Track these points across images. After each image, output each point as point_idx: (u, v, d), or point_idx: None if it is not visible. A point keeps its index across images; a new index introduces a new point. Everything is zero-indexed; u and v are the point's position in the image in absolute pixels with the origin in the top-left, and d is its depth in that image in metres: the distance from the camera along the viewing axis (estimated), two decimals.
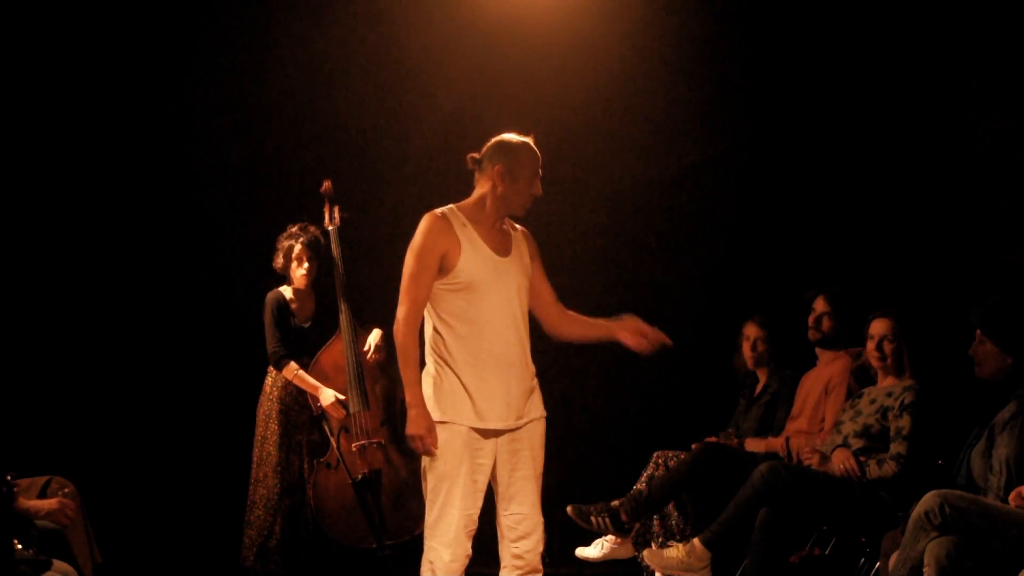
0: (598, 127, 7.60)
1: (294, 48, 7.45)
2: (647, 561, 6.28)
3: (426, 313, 5.08)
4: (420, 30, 7.42)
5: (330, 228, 7.05)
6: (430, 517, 5.06)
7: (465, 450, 5.02)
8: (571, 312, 5.41)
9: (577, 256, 7.59)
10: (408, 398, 5.00)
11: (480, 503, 5.08)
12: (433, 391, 5.04)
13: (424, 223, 5.06)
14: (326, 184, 7.08)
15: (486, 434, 5.05)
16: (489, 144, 5.15)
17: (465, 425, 5.02)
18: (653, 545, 6.52)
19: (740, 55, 7.58)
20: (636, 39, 7.53)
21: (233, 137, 7.46)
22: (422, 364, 5.10)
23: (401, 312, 5.02)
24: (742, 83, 7.60)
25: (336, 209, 7.06)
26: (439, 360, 5.07)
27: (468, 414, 5.02)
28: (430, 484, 5.06)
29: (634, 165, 7.62)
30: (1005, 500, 4.91)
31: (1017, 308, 5.48)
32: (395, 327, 5.02)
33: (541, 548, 5.20)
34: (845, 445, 6.05)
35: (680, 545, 6.14)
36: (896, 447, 5.91)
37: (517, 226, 5.28)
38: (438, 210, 5.11)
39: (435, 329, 5.08)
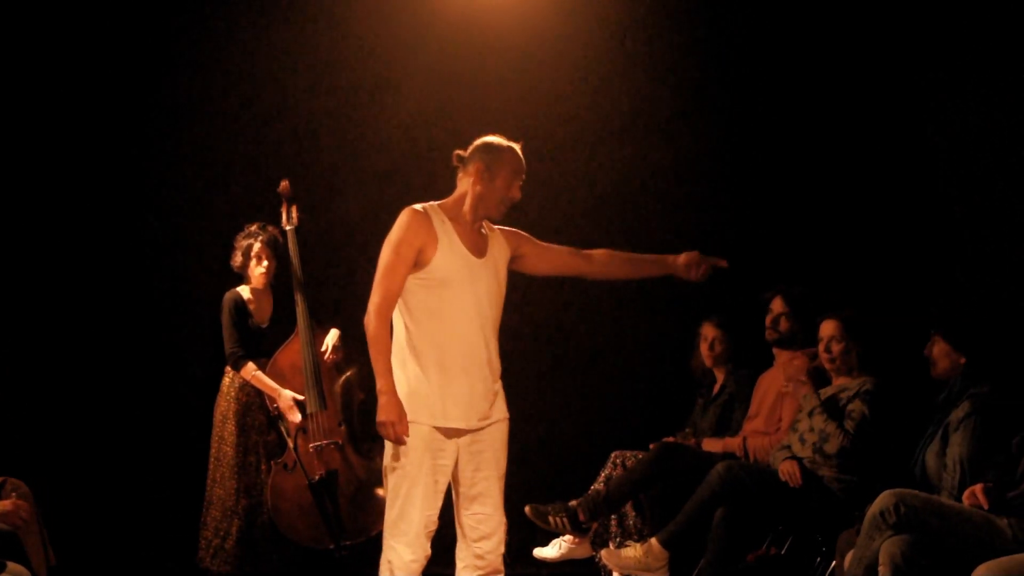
0: (560, 128, 7.60)
1: (254, 47, 7.42)
2: (605, 561, 6.30)
3: (395, 309, 5.08)
4: (382, 30, 7.41)
5: (288, 228, 7.04)
6: (390, 516, 5.05)
7: (427, 449, 5.01)
8: (608, 251, 5.43)
9: None
10: (379, 385, 4.98)
11: (440, 503, 5.08)
12: (397, 388, 5.04)
13: (403, 216, 5.07)
14: (284, 184, 7.06)
15: (448, 434, 5.05)
16: (475, 143, 5.18)
17: (427, 424, 5.02)
18: (611, 545, 6.54)
19: (702, 60, 7.60)
20: (601, 40, 7.54)
21: (191, 136, 7.42)
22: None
23: (373, 302, 5.01)
24: (703, 87, 7.62)
25: (294, 209, 7.05)
26: (405, 357, 5.06)
27: (431, 413, 5.01)
28: (391, 483, 5.06)
29: (595, 166, 7.63)
30: (959, 499, 4.95)
31: (971, 308, 5.54)
32: (366, 317, 5.00)
33: (503, 549, 5.21)
34: (802, 443, 6.09)
35: (638, 545, 6.17)
36: (846, 425, 5.95)
37: (496, 228, 5.28)
38: (418, 205, 5.11)
39: (404, 325, 5.08)
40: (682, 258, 5.41)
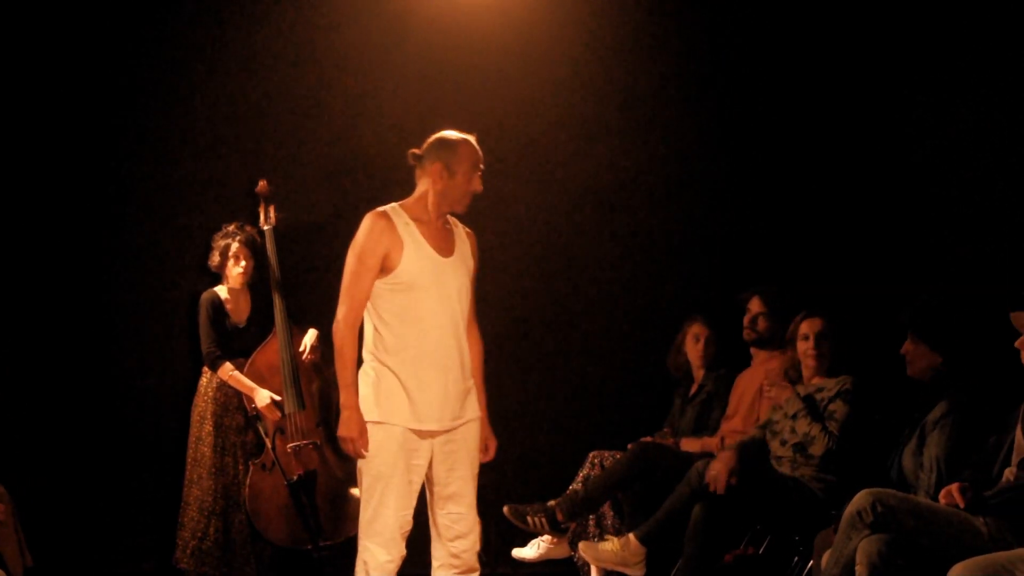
0: (539, 129, 7.59)
1: (231, 46, 7.39)
2: (582, 553, 6.30)
3: (365, 312, 5.08)
4: (360, 30, 7.39)
5: (266, 228, 7.03)
6: (365, 517, 5.06)
7: (401, 451, 5.02)
8: (474, 343, 5.32)
9: (515, 256, 7.58)
10: (342, 399, 5.01)
11: (414, 503, 5.10)
12: (371, 391, 5.05)
13: (366, 222, 5.06)
14: (262, 184, 7.06)
15: (422, 435, 5.06)
16: (429, 140, 5.17)
17: (401, 426, 5.02)
18: None
19: (676, 60, 7.60)
20: (576, 42, 7.54)
21: (169, 135, 7.39)
22: (360, 364, 5.10)
23: (341, 312, 5.02)
24: (681, 87, 7.62)
25: (272, 209, 7.04)
26: (377, 360, 5.07)
27: (405, 415, 5.02)
28: (365, 484, 5.07)
29: (573, 166, 7.62)
30: (935, 498, 4.96)
31: (946, 307, 5.55)
32: (334, 327, 5.02)
33: (478, 547, 5.23)
34: (782, 444, 6.10)
35: (616, 539, 6.18)
36: (829, 426, 5.96)
37: (460, 225, 5.29)
38: (381, 208, 5.11)
39: (375, 328, 5.08)
40: (486, 430, 5.31)
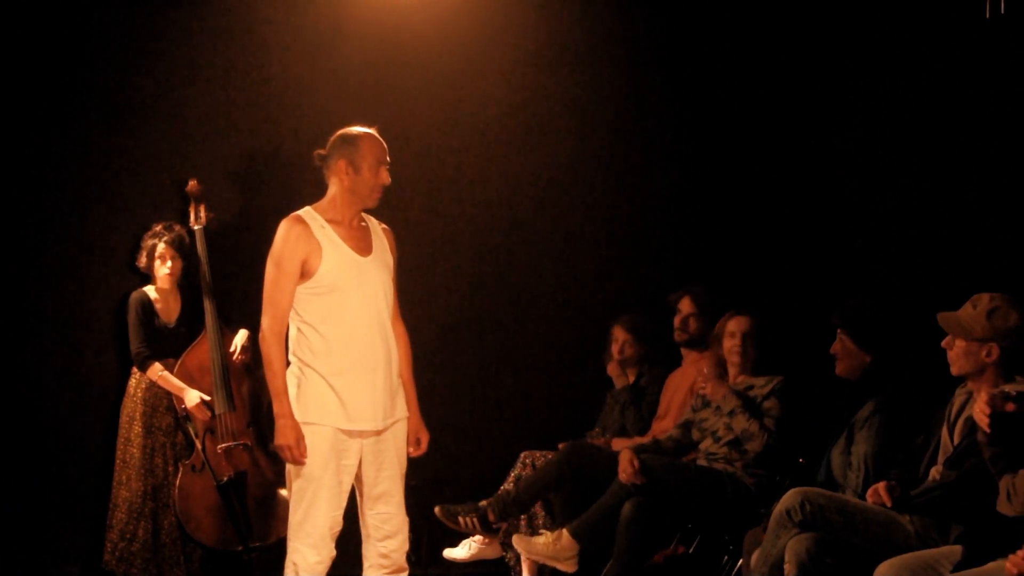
0: (472, 132, 7.59)
1: (163, 45, 7.32)
2: (516, 544, 6.30)
3: (290, 316, 5.06)
4: (293, 28, 7.34)
5: (196, 227, 6.98)
6: (295, 518, 5.05)
7: (331, 452, 5.02)
8: (400, 339, 5.30)
9: (448, 257, 7.58)
10: (276, 408, 5.01)
11: (344, 503, 5.10)
12: (298, 393, 5.04)
13: (282, 229, 5.04)
14: (192, 183, 7.01)
15: (352, 435, 5.05)
16: (331, 139, 5.15)
17: (331, 426, 5.01)
18: None
19: (613, 62, 7.63)
20: (513, 44, 7.54)
21: (98, 133, 7.31)
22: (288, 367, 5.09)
23: (265, 322, 5.02)
24: (615, 90, 7.64)
25: (202, 208, 7.00)
26: (304, 363, 5.05)
27: (334, 415, 5.02)
28: (296, 486, 5.05)
29: (505, 165, 7.63)
30: (863, 497, 5.01)
31: (876, 307, 5.62)
32: (260, 336, 5.03)
33: (407, 547, 5.23)
34: (715, 440, 6.14)
35: (549, 533, 6.19)
36: (767, 424, 6.00)
37: (376, 222, 5.27)
38: (296, 213, 5.09)
39: (299, 331, 5.06)
40: (416, 423, 5.31)
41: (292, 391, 5.03)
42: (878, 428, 5.30)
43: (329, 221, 5.07)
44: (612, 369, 7.17)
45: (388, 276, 5.19)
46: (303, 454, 4.97)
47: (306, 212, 5.10)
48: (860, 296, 5.78)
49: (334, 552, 5.09)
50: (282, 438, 4.97)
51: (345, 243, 5.06)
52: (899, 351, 5.51)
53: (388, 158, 5.15)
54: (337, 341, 5.03)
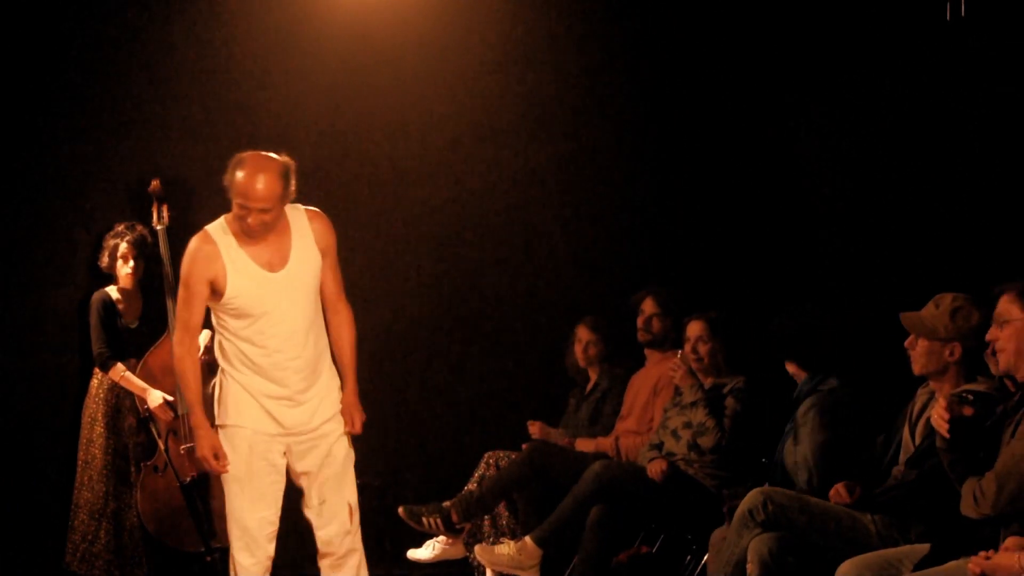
0: (435, 130, 7.58)
1: (128, 44, 7.28)
2: (478, 556, 6.30)
3: (213, 321, 5.04)
4: (259, 27, 7.32)
5: (159, 228, 6.95)
6: (229, 522, 5.05)
7: (252, 452, 5.00)
8: (343, 323, 5.18)
9: (411, 255, 7.57)
10: (191, 420, 5.03)
11: (278, 504, 5.07)
12: (220, 394, 5.05)
13: (190, 248, 4.92)
14: (155, 183, 6.98)
15: (273, 435, 5.02)
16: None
17: (250, 428, 4.99)
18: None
19: (573, 63, 7.63)
20: (473, 45, 7.53)
21: (60, 132, 7.27)
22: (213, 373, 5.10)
23: (176, 336, 5.03)
24: (577, 89, 7.65)
25: (165, 208, 6.97)
26: (227, 365, 5.04)
27: (252, 417, 4.99)
28: (225, 489, 5.05)
29: (469, 165, 7.63)
30: (812, 493, 5.05)
31: (801, 326, 5.65)
32: (171, 351, 5.02)
33: (349, 528, 5.15)
34: (675, 439, 6.16)
35: (511, 542, 6.19)
36: (724, 422, 6.03)
37: (302, 209, 5.04)
38: (206, 229, 4.94)
39: (220, 342, 5.04)
40: (350, 399, 5.19)
41: (216, 393, 5.05)
42: (815, 424, 5.35)
43: (235, 233, 4.88)
44: (574, 369, 7.19)
45: (311, 279, 4.99)
46: (222, 463, 4.96)
47: (217, 227, 4.92)
48: (785, 315, 5.80)
49: (271, 553, 5.06)
50: (201, 449, 4.97)
51: (253, 261, 4.88)
52: (833, 362, 5.55)
53: (247, 202, 4.77)
54: (253, 358, 4.96)
